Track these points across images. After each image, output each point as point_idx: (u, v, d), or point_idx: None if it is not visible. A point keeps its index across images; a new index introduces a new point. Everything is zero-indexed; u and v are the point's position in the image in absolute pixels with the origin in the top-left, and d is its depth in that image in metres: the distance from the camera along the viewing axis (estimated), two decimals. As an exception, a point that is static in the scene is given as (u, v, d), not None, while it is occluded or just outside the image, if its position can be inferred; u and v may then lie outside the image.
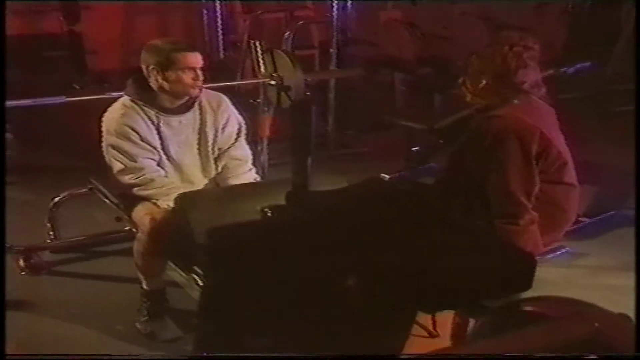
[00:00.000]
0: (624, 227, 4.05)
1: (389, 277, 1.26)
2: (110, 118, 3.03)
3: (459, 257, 1.30)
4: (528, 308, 1.28)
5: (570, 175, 2.77)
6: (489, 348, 1.11)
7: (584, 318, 1.15)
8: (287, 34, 5.51)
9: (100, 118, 3.09)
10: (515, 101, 2.68)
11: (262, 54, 3.94)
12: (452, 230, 1.31)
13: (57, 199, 3.82)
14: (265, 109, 4.01)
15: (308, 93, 3.90)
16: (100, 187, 3.47)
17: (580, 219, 3.55)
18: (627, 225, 4.08)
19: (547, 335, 1.12)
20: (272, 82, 3.85)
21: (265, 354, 1.29)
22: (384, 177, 4.39)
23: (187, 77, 2.96)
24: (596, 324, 1.12)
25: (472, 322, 1.73)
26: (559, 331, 1.14)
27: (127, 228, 3.46)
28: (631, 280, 3.41)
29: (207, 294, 1.50)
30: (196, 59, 3.00)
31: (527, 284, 1.32)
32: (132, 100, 3.03)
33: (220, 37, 6.66)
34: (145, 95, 3.02)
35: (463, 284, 1.30)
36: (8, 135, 4.63)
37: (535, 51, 2.70)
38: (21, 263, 3.60)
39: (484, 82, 2.70)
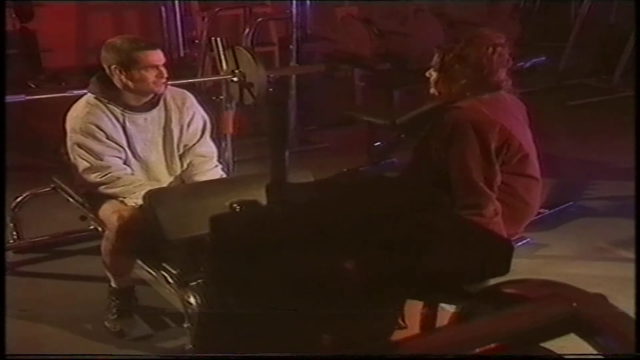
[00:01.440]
0: (581, 218, 4.17)
1: (376, 265, 1.29)
2: (75, 116, 3.01)
3: (440, 244, 1.34)
4: (508, 291, 1.32)
5: (533, 168, 2.82)
6: (472, 330, 1.15)
7: (562, 298, 1.19)
8: (247, 30, 5.52)
9: (60, 116, 3.06)
10: (486, 96, 2.73)
11: (224, 50, 3.95)
12: (430, 218, 1.34)
13: (19, 199, 3.77)
14: (228, 105, 4.01)
15: (271, 89, 3.92)
16: (64, 186, 3.44)
17: (540, 210, 3.64)
18: (584, 215, 4.20)
19: (529, 316, 1.17)
20: (235, 79, 3.87)
21: (265, 354, 1.31)
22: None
23: (151, 75, 2.95)
24: (574, 304, 1.16)
25: (440, 313, 1.78)
26: (540, 311, 1.18)
27: (91, 227, 3.44)
28: (590, 269, 3.55)
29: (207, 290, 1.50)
30: (158, 57, 2.99)
31: (506, 268, 1.37)
32: (96, 98, 3.01)
33: (180, 35, 6.62)
34: (110, 93, 3.01)
35: (445, 268, 1.34)
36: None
37: (508, 47, 2.75)
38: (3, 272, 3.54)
39: (462, 82, 2.72)
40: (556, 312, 1.16)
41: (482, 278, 1.43)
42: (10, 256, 3.71)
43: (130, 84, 2.95)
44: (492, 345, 1.08)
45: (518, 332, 1.13)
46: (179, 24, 6.69)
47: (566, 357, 1.21)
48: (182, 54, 6.71)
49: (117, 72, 2.94)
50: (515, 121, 2.79)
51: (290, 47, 5.54)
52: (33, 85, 6.46)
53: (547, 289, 1.32)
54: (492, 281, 1.43)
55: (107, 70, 2.97)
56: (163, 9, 6.79)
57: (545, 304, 1.20)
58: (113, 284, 3.09)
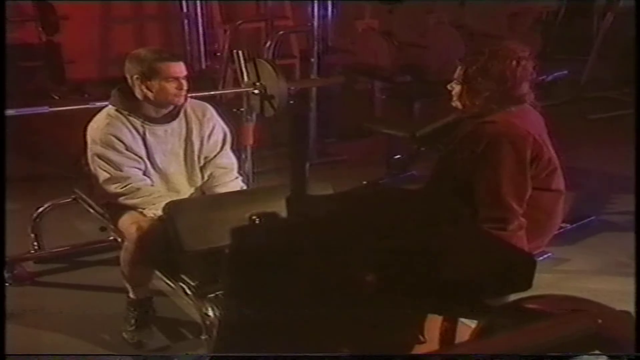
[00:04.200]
0: (603, 232, 4.12)
1: (396, 277, 1.28)
2: (95, 128, 3.03)
3: (462, 257, 1.32)
4: (530, 306, 1.30)
5: (559, 182, 2.79)
6: (493, 345, 1.13)
7: (586, 314, 1.17)
8: (268, 43, 5.53)
9: (82, 128, 3.09)
10: (513, 109, 2.71)
11: (245, 63, 3.96)
12: (453, 231, 1.33)
13: (40, 209, 3.80)
14: (249, 117, 4.02)
15: (291, 102, 3.92)
16: (85, 196, 3.46)
17: (561, 224, 3.61)
18: (606, 230, 4.16)
19: (550, 332, 1.14)
20: (256, 91, 3.87)
21: (266, 354, 1.30)
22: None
23: (171, 86, 2.98)
24: (599, 321, 1.14)
25: (459, 328, 1.76)
26: (562, 327, 1.16)
27: (111, 238, 3.46)
28: (612, 284, 3.50)
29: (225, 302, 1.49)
30: (180, 69, 3.01)
31: (528, 283, 1.34)
32: (117, 110, 3.04)
33: (202, 47, 6.66)
34: (130, 105, 3.03)
35: (467, 282, 1.33)
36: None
37: (532, 60, 2.73)
38: (5, 273, 3.57)
39: (486, 94, 2.71)
40: (580, 329, 1.14)
41: (504, 292, 1.41)
42: (30, 266, 3.74)
43: (150, 94, 2.97)
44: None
45: (539, 349, 1.11)
46: (201, 36, 6.72)
47: (566, 357, 1.18)
48: (203, 67, 6.74)
49: (139, 82, 2.96)
50: (542, 132, 2.77)
51: (311, 59, 5.55)
52: (56, 97, 6.53)
53: (570, 304, 1.30)
54: (514, 296, 1.41)
55: (129, 81, 3.00)
56: (185, 21, 6.84)
57: (568, 320, 1.17)
58: (131, 295, 3.10)
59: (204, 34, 6.73)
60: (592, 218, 4.22)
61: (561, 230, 3.45)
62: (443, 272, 1.31)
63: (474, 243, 1.39)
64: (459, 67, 2.77)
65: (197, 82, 5.93)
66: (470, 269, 1.32)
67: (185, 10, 6.93)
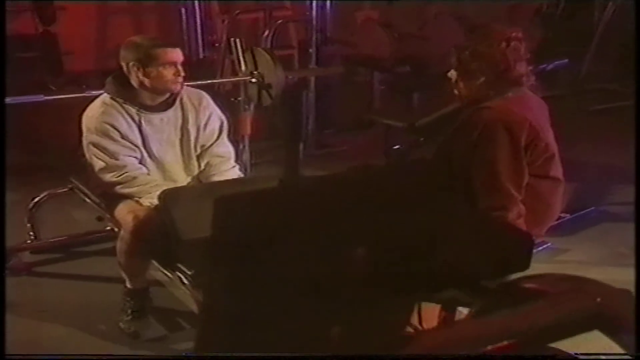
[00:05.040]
0: (602, 223, 4.10)
1: (392, 256, 1.25)
2: (90, 116, 3.01)
3: (459, 237, 1.30)
4: (527, 286, 1.28)
5: (557, 170, 2.78)
6: (491, 325, 1.11)
7: (586, 293, 1.15)
8: (267, 32, 5.51)
9: (78, 117, 3.06)
10: (510, 94, 2.69)
11: (243, 52, 3.93)
12: (451, 211, 1.30)
13: (36, 199, 3.78)
14: (246, 107, 3.99)
15: (289, 91, 3.90)
16: (81, 186, 3.44)
17: (561, 214, 3.59)
18: (605, 221, 4.14)
19: (549, 311, 1.12)
20: (253, 80, 3.85)
21: (265, 354, 1.28)
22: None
23: (168, 72, 2.95)
24: (598, 299, 1.11)
25: (458, 317, 1.74)
26: (561, 306, 1.14)
27: (108, 228, 3.44)
28: (611, 275, 3.47)
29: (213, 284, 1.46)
30: (176, 55, 2.99)
31: (526, 263, 1.32)
32: (112, 98, 3.01)
33: (200, 37, 6.62)
34: (126, 93, 3.00)
35: (464, 263, 1.30)
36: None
37: (524, 42, 2.71)
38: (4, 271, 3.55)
39: (482, 79, 2.68)
40: (579, 308, 1.11)
41: (502, 273, 1.38)
42: (27, 256, 3.72)
43: (146, 81, 2.94)
44: (505, 343, 1.04)
45: (537, 329, 1.09)
46: (199, 26, 6.68)
47: (565, 356, 1.16)
48: (201, 56, 6.69)
49: (135, 69, 2.93)
50: (542, 120, 2.75)
51: (310, 50, 5.52)
52: (53, 88, 6.48)
53: (568, 283, 1.27)
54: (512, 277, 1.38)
55: (125, 68, 2.97)
56: (183, 10, 6.79)
57: (566, 299, 1.15)
58: (128, 285, 3.08)
59: (201, 25, 6.69)
60: (592, 209, 4.20)
61: (560, 220, 3.42)
62: (440, 253, 1.29)
63: (471, 223, 1.37)
64: (454, 55, 2.76)
65: (195, 72, 5.91)
66: (467, 250, 1.30)
67: (183, -1, 6.89)
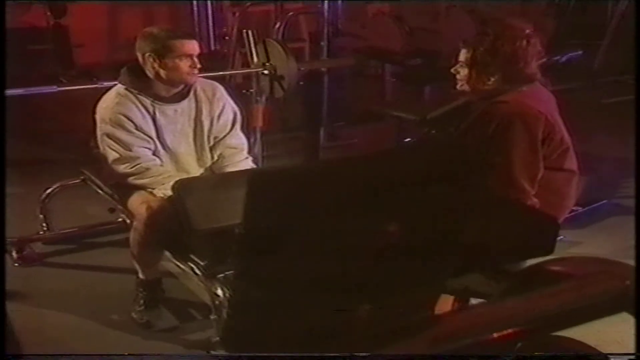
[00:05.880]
0: (615, 216, 4.08)
1: (419, 235, 1.23)
2: (105, 107, 3.01)
3: (485, 219, 1.28)
4: (553, 268, 1.26)
5: (572, 162, 2.76)
6: (517, 306, 1.09)
7: (613, 275, 1.13)
8: (278, 24, 5.49)
9: (90, 111, 3.06)
10: (524, 88, 2.67)
11: (255, 43, 3.92)
12: (475, 193, 1.28)
13: (49, 190, 3.79)
14: (258, 99, 3.99)
15: (301, 83, 3.89)
16: (93, 177, 3.45)
17: (573, 207, 3.57)
18: (618, 214, 4.11)
19: (577, 292, 1.10)
20: (265, 72, 3.84)
21: (265, 354, 1.27)
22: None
23: (184, 64, 2.94)
24: (627, 282, 1.10)
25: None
26: (589, 288, 1.11)
27: (119, 219, 3.44)
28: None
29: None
30: (193, 46, 2.99)
31: (550, 247, 1.31)
32: (126, 89, 3.01)
33: (212, 30, 6.62)
34: (140, 84, 3.00)
35: (488, 246, 1.29)
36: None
37: (539, 38, 2.70)
38: (14, 254, 3.57)
39: (497, 75, 2.66)
40: (607, 290, 1.09)
41: (526, 257, 1.37)
42: (39, 247, 3.74)
43: (162, 72, 2.93)
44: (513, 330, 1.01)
45: (566, 310, 1.06)
46: (210, 18, 6.68)
47: (565, 356, 1.15)
48: (212, 49, 6.70)
49: (151, 60, 2.93)
50: (555, 114, 2.73)
51: (321, 43, 5.50)
52: (64, 81, 6.50)
53: (596, 265, 1.25)
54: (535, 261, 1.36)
55: (141, 59, 2.97)
56: (194, 2, 6.79)
57: (595, 281, 1.13)
58: (140, 276, 3.08)
59: (212, 17, 6.69)
60: (605, 202, 4.18)
61: (573, 213, 3.40)
62: (466, 234, 1.27)
63: (496, 206, 1.35)
64: (465, 50, 2.73)
65: (206, 64, 5.90)
66: (492, 232, 1.28)
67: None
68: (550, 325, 1.05)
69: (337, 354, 1.26)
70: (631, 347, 1.19)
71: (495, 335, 0.97)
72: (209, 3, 6.66)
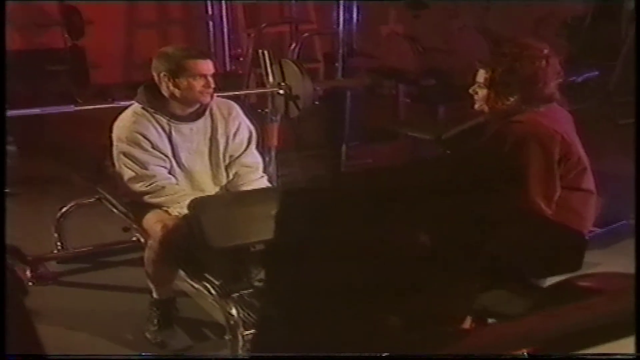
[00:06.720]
0: (633, 237, 4.02)
1: (448, 246, 1.21)
2: (121, 126, 3.02)
3: (513, 234, 1.26)
4: (582, 284, 1.23)
5: (589, 182, 2.73)
6: (547, 320, 1.06)
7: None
8: (293, 45, 5.51)
9: (105, 130, 3.07)
10: (541, 108, 2.65)
11: (271, 63, 3.93)
12: (502, 207, 1.26)
13: (64, 209, 3.80)
14: (273, 118, 3.99)
15: (316, 102, 3.89)
16: (108, 196, 3.45)
17: (591, 228, 3.54)
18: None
19: (608, 307, 1.07)
20: (281, 92, 3.84)
21: (265, 354, 1.25)
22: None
23: (199, 84, 2.95)
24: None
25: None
26: (622, 302, 1.08)
27: (134, 238, 3.44)
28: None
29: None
30: (207, 66, 2.99)
31: (578, 264, 1.28)
32: (143, 108, 3.02)
33: (227, 50, 6.66)
34: (157, 103, 3.01)
35: (518, 259, 1.26)
36: (11, 148, 4.59)
37: (557, 58, 2.68)
38: (28, 273, 3.57)
39: (516, 95, 2.65)
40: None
41: (553, 272, 1.34)
42: (54, 266, 3.74)
43: (177, 92, 2.94)
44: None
45: (598, 324, 1.03)
46: (225, 39, 6.72)
47: (565, 356, 1.11)
48: (227, 69, 6.73)
49: (166, 80, 2.94)
50: (572, 133, 2.71)
51: (336, 64, 5.51)
52: (80, 101, 6.53)
53: (623, 281, 1.22)
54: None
55: (156, 78, 2.98)
56: (210, 23, 6.83)
57: (623, 296, 1.10)
58: (155, 295, 3.07)
59: (228, 37, 6.72)
60: (623, 222, 4.13)
61: (591, 234, 3.37)
62: (496, 248, 1.24)
63: (525, 220, 1.33)
64: (483, 71, 2.71)
65: (221, 85, 5.92)
66: (521, 246, 1.26)
67: (210, 12, 6.93)
68: (582, 340, 1.03)
69: (336, 354, 1.24)
70: (631, 348, 1.17)
71: (524, 351, 0.95)
72: (224, 22, 6.69)
